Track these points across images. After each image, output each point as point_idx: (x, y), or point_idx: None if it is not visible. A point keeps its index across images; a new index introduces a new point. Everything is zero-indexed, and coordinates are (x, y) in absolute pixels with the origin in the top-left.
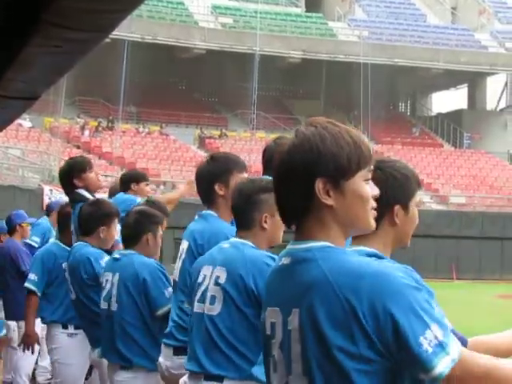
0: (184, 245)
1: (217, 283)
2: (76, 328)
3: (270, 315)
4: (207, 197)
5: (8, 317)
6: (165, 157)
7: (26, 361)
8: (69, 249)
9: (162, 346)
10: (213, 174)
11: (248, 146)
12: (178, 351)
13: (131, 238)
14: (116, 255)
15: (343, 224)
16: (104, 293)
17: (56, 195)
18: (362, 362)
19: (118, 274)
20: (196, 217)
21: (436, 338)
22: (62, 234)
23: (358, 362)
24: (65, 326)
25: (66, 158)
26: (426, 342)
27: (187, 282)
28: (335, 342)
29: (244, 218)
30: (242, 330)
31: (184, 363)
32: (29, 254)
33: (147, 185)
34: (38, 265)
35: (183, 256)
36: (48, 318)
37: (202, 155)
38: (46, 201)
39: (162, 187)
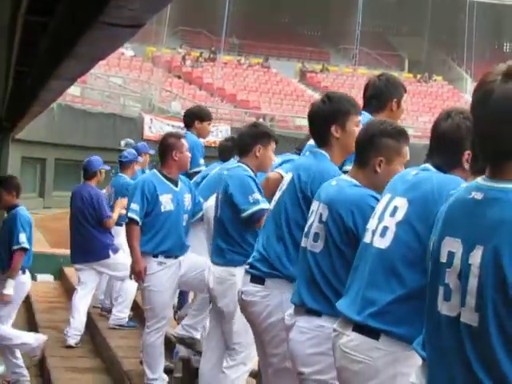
0: (288, 176)
1: (321, 221)
2: (166, 257)
3: (449, 244)
4: (321, 138)
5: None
6: (265, 89)
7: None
8: (167, 182)
9: (244, 273)
10: (330, 115)
11: (349, 81)
12: (255, 280)
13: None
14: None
15: None
16: None
17: (156, 125)
18: None
19: None
20: (307, 153)
21: None
22: (164, 166)
23: None
24: (155, 256)
25: (168, 88)
26: None
27: (282, 215)
28: None
29: (361, 156)
30: (340, 268)
31: (256, 291)
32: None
33: (210, 124)
34: (138, 194)
35: (284, 187)
36: (140, 248)
37: (303, 89)
38: (146, 130)
39: (261, 120)
